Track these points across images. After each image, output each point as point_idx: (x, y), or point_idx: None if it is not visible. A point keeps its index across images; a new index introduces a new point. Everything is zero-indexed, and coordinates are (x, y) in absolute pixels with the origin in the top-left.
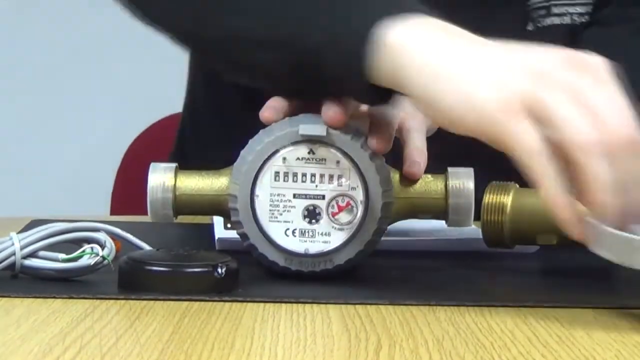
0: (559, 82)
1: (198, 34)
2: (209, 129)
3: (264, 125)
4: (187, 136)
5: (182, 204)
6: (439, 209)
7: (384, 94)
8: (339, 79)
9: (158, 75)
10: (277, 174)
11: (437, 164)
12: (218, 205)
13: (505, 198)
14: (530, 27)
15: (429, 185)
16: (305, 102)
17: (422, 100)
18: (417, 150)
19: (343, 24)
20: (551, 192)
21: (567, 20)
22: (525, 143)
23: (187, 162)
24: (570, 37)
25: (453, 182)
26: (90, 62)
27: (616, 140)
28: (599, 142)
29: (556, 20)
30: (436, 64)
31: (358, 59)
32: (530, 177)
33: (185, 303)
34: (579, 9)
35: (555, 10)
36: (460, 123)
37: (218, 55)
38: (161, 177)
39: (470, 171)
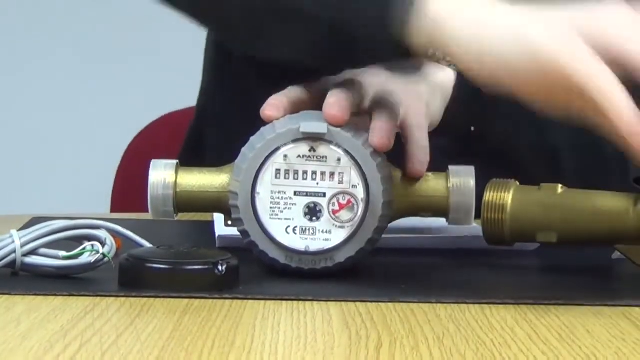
0: (608, 21)
1: (222, 4)
2: (231, 127)
3: (265, 123)
4: (207, 135)
5: (183, 201)
6: (439, 208)
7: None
8: (371, 37)
9: (158, 74)
10: (278, 171)
11: (439, 158)
12: (219, 202)
13: (505, 195)
14: None
15: (430, 183)
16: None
17: (470, 52)
18: (420, 148)
19: None
20: (627, 121)
21: None
22: (592, 68)
23: (204, 160)
24: None
25: (454, 181)
26: (90, 61)
27: None
28: None
29: None
30: (480, 15)
31: (393, 16)
32: (599, 110)
33: (186, 300)
34: None
35: None
36: (515, 67)
37: (245, 26)
38: (162, 174)
39: (471, 169)
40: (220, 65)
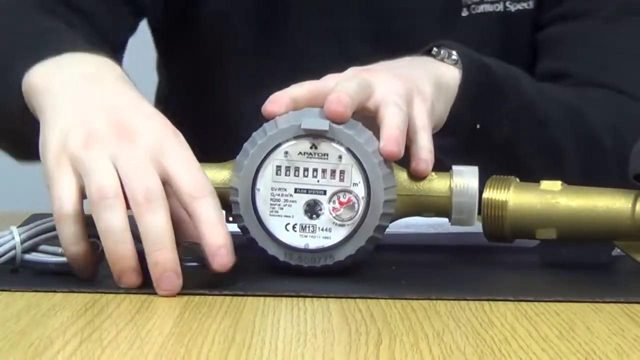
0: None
1: None
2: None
3: (267, 119)
4: None
5: None
6: (442, 208)
7: None
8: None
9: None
10: (278, 168)
11: (442, 157)
12: (221, 199)
13: (505, 192)
14: (464, 14)
15: (434, 183)
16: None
17: None
18: (424, 149)
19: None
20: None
21: (500, 7)
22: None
23: None
24: (505, 25)
25: (457, 181)
26: None
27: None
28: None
29: (489, 8)
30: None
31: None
32: None
33: (186, 297)
34: None
35: None
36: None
37: None
38: None
39: (475, 170)
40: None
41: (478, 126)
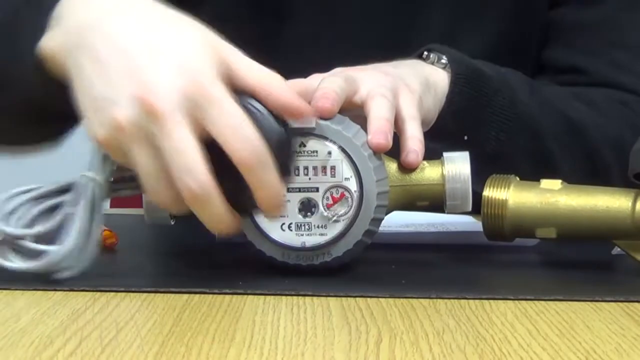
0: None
1: None
2: None
3: None
4: None
5: None
6: (436, 196)
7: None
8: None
9: None
10: None
11: (433, 157)
12: None
13: (505, 191)
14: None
15: (425, 172)
16: None
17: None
18: (414, 139)
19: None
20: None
21: None
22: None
23: None
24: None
25: (449, 168)
26: None
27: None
28: None
29: None
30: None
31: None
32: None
33: (186, 296)
34: None
35: None
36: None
37: None
38: None
39: (465, 155)
40: None
41: (466, 137)
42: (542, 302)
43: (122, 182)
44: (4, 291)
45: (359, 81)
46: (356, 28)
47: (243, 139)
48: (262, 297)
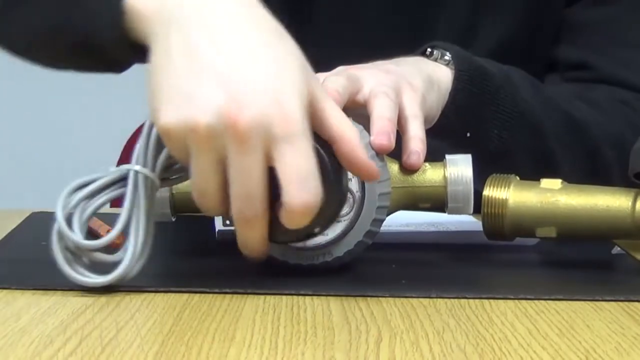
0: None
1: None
2: None
3: None
4: None
5: (180, 202)
6: (438, 198)
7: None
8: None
9: None
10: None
11: (436, 157)
12: None
13: (505, 190)
14: None
15: (427, 173)
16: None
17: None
18: (416, 139)
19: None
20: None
21: None
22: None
23: None
24: None
25: (451, 170)
26: None
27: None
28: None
29: None
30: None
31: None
32: None
33: (186, 295)
34: None
35: None
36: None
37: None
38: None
39: (468, 157)
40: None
41: (468, 134)
42: (542, 301)
43: (170, 171)
44: (4, 290)
45: (361, 80)
46: (377, 20)
47: (305, 190)
48: (262, 296)
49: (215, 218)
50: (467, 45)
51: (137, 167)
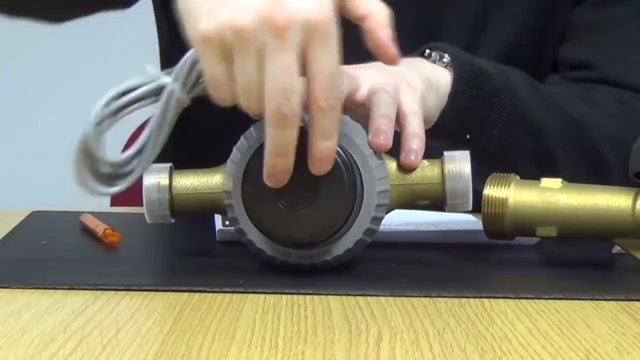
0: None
1: None
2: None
3: (254, 121)
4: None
5: (179, 204)
6: (436, 195)
7: None
8: None
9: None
10: None
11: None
12: (215, 203)
13: (505, 190)
14: None
15: (426, 171)
16: None
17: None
18: (414, 137)
19: None
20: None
21: None
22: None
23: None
24: None
25: (449, 167)
26: (90, 53)
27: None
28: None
29: None
30: None
31: None
32: None
33: (186, 294)
34: None
35: None
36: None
37: None
38: (156, 177)
39: (466, 154)
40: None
41: (468, 136)
42: (543, 300)
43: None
44: (5, 289)
45: (360, 79)
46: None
47: (332, 87)
48: (263, 295)
49: (215, 218)
50: (477, 44)
51: (176, 86)
